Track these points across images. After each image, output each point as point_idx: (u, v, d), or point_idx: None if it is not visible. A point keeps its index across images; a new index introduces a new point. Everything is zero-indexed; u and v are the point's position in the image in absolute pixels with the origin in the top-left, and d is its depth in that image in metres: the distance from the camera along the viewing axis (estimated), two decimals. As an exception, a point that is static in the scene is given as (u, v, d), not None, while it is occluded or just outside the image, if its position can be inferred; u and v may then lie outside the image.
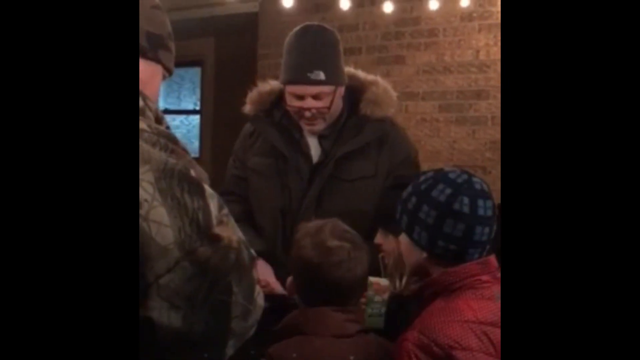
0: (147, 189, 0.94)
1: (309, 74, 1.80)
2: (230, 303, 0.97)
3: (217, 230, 0.98)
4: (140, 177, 0.94)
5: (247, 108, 1.98)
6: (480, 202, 1.29)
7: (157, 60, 1.17)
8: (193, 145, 5.59)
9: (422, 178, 1.34)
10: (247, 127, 2.04)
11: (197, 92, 5.56)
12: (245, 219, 1.96)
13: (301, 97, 1.83)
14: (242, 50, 4.90)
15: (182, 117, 5.78)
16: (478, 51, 3.92)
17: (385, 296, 1.59)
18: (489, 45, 3.88)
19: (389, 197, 1.62)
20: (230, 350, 1.02)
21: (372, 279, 1.59)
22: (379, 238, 1.64)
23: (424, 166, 2.12)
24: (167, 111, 5.80)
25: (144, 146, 0.97)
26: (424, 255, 1.32)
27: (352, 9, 3.98)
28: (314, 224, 1.54)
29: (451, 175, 1.32)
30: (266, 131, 1.94)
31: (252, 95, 1.98)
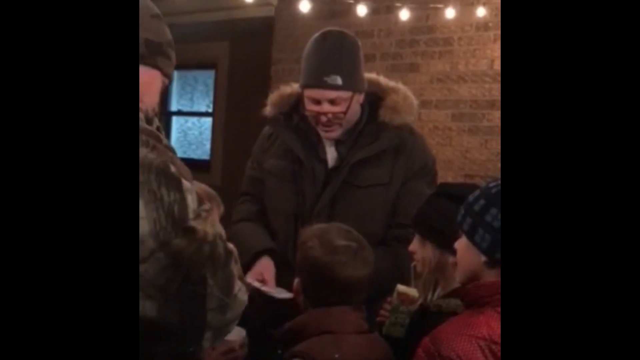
0: None
1: (325, 79, 1.80)
2: (204, 295, 1.01)
3: (193, 223, 1.02)
4: None
5: (267, 110, 1.98)
6: None
7: (155, 67, 1.23)
8: (205, 147, 5.60)
9: (493, 183, 1.32)
10: (266, 129, 2.05)
11: (210, 95, 5.56)
12: (259, 219, 1.98)
13: (318, 102, 1.83)
14: (256, 54, 4.90)
15: (194, 119, 5.79)
16: (493, 61, 3.90)
17: (412, 307, 1.57)
18: (504, 56, 3.85)
19: (433, 205, 1.58)
20: (207, 343, 1.07)
21: (400, 287, 1.59)
22: (414, 245, 1.59)
23: (436, 175, 2.11)
24: (180, 112, 5.82)
25: None
26: (483, 259, 1.28)
27: (368, 15, 3.97)
28: (318, 226, 1.58)
29: None
30: (284, 134, 1.94)
31: (273, 97, 1.98)
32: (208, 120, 5.57)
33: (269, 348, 1.59)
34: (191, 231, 1.01)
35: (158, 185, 1.01)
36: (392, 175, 1.88)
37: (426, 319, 1.52)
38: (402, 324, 1.57)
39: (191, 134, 5.77)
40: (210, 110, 5.55)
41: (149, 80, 1.22)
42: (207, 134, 5.57)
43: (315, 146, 1.91)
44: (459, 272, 1.36)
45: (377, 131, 1.89)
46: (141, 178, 0.99)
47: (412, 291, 1.58)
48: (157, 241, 0.98)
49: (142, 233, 0.96)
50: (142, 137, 1.04)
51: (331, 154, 1.91)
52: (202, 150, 5.63)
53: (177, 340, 1.03)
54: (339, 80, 1.80)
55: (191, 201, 1.04)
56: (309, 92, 1.85)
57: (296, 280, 1.58)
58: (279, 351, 1.52)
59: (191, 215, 1.03)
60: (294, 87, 1.97)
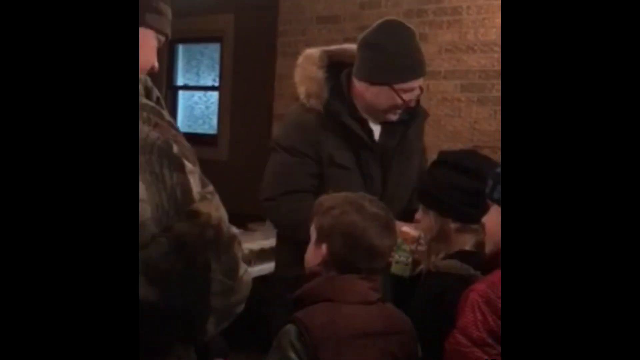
0: None
1: (423, 68, 1.91)
2: (208, 279, 0.97)
3: (198, 206, 0.98)
4: None
5: (310, 102, 1.92)
6: None
7: (145, 25, 1.15)
8: (211, 121, 5.58)
9: None
10: (304, 119, 1.95)
11: (216, 69, 5.52)
12: None
13: (411, 90, 1.90)
14: (262, 27, 4.85)
15: (200, 93, 5.76)
16: (502, 30, 3.84)
17: (414, 246, 1.68)
18: (513, 24, 3.79)
19: (432, 175, 1.67)
20: (211, 327, 1.02)
21: (403, 227, 1.68)
22: (419, 214, 1.69)
23: (444, 146, 2.13)
24: (186, 87, 5.79)
25: None
26: None
27: (374, -15, 3.92)
28: (341, 194, 1.55)
29: None
30: (349, 122, 1.92)
31: (308, 86, 1.93)
32: (214, 95, 5.54)
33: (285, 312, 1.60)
34: (195, 215, 0.97)
35: (160, 166, 0.97)
36: (421, 141, 2.08)
37: (427, 278, 1.62)
38: (405, 262, 1.67)
39: (198, 109, 5.75)
40: (216, 84, 5.51)
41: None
42: (214, 108, 5.54)
43: (369, 129, 1.97)
44: (491, 242, 1.40)
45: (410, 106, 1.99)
46: (143, 159, 0.94)
47: (413, 231, 1.68)
48: (160, 225, 0.95)
49: (143, 217, 0.92)
50: (143, 114, 0.99)
51: (376, 132, 1.99)
52: (209, 124, 5.61)
53: (181, 325, 1.00)
54: (425, 68, 1.92)
55: (194, 183, 1.00)
56: (413, 83, 1.89)
57: (322, 247, 1.49)
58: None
59: (196, 197, 0.99)
60: (321, 73, 1.93)
